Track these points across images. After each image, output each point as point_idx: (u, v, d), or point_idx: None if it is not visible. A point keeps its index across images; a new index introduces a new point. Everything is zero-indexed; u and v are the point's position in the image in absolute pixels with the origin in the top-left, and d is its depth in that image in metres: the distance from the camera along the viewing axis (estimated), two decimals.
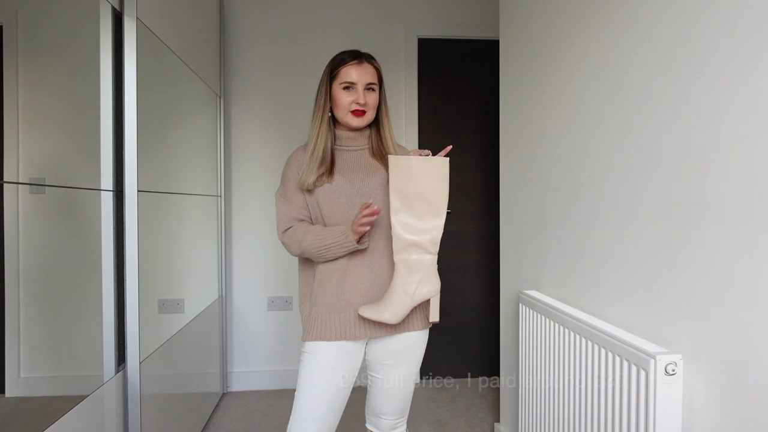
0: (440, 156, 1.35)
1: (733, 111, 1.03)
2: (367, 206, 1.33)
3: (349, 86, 1.44)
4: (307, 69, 3.09)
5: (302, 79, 3.10)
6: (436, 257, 1.38)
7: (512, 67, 2.17)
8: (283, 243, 1.49)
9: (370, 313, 1.36)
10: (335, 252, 1.41)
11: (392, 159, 1.34)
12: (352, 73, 1.44)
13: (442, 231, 1.36)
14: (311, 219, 1.50)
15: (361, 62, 1.45)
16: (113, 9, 1.61)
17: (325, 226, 1.47)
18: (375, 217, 1.33)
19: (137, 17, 1.67)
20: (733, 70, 1.03)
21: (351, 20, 3.14)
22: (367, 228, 1.36)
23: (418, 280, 1.36)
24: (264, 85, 3.10)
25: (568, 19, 1.69)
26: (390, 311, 1.35)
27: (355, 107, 1.44)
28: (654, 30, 1.26)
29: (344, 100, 1.44)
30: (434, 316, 1.40)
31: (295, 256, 1.51)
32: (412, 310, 1.48)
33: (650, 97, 1.27)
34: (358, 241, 1.40)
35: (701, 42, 1.11)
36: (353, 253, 1.44)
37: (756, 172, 0.98)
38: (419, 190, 1.33)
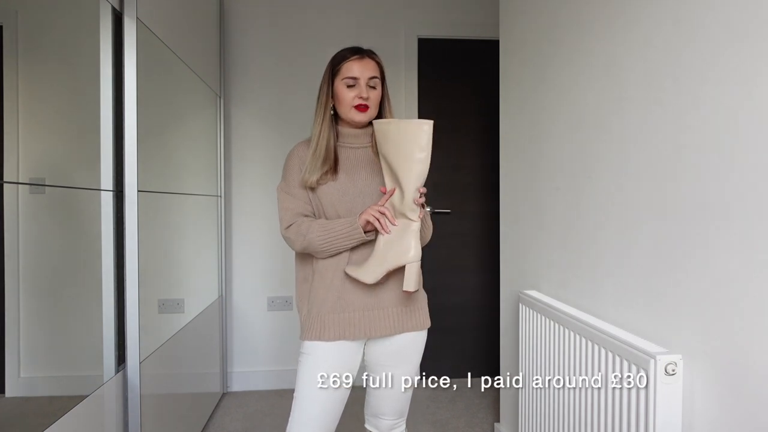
0: (424, 119, 1.32)
1: (733, 112, 1.03)
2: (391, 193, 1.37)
3: (351, 81, 1.43)
4: (307, 69, 3.09)
5: (302, 78, 3.09)
6: (415, 224, 1.35)
7: (512, 67, 2.17)
8: (286, 238, 1.46)
9: (352, 271, 1.38)
10: (342, 244, 1.40)
11: (375, 123, 1.37)
12: (354, 68, 1.43)
13: (415, 194, 1.33)
14: (314, 214, 1.49)
15: (362, 57, 1.45)
16: (113, 9, 1.61)
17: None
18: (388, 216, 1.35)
19: (137, 17, 1.66)
20: (734, 72, 1.03)
21: (351, 20, 3.13)
22: (377, 219, 1.35)
23: (393, 245, 1.35)
24: (264, 85, 3.10)
25: (568, 18, 1.69)
26: (364, 270, 1.36)
27: (358, 102, 1.43)
28: (656, 30, 1.26)
29: (347, 95, 1.43)
30: (407, 284, 1.35)
31: (298, 251, 1.50)
32: (412, 311, 1.48)
33: (651, 97, 1.27)
34: (366, 232, 1.39)
35: (702, 43, 1.11)
36: (354, 251, 1.43)
37: (756, 172, 0.98)
38: (398, 153, 1.32)
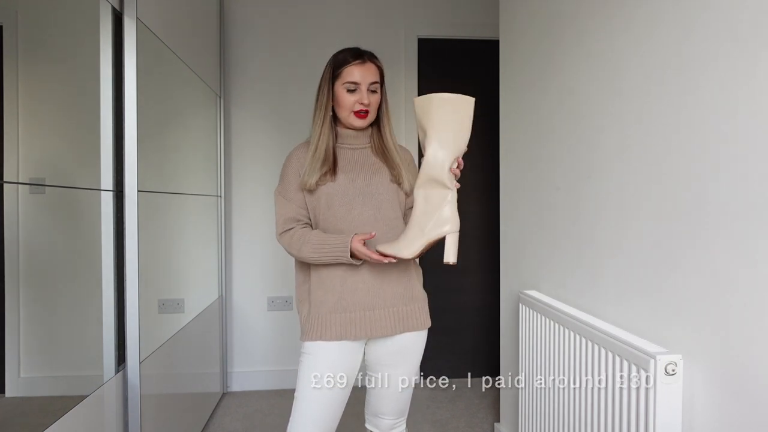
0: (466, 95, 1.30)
1: (733, 111, 1.03)
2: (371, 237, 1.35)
3: (352, 86, 1.43)
4: (307, 69, 3.09)
5: (302, 78, 3.10)
6: (451, 193, 1.32)
7: (512, 68, 2.17)
8: (280, 243, 1.49)
9: (386, 249, 1.33)
10: (332, 261, 1.41)
11: (416, 100, 1.32)
12: (356, 73, 1.43)
13: (451, 165, 1.31)
14: (309, 219, 1.50)
15: (364, 61, 1.44)
16: (113, 9, 1.61)
17: (326, 223, 1.46)
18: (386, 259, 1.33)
19: (137, 17, 1.67)
20: (734, 71, 1.03)
21: (351, 20, 3.14)
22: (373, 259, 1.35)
23: (431, 215, 1.31)
24: (264, 85, 3.10)
25: (568, 18, 1.69)
26: (400, 245, 1.31)
27: (358, 108, 1.43)
28: (654, 30, 1.26)
29: (347, 100, 1.43)
30: (448, 256, 1.30)
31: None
32: (412, 311, 1.48)
33: (651, 97, 1.27)
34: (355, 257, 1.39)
35: (701, 43, 1.11)
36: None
37: (756, 172, 0.98)
38: (438, 126, 1.30)
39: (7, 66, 1.16)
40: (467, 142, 1.32)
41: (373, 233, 1.36)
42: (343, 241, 1.37)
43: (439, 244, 1.34)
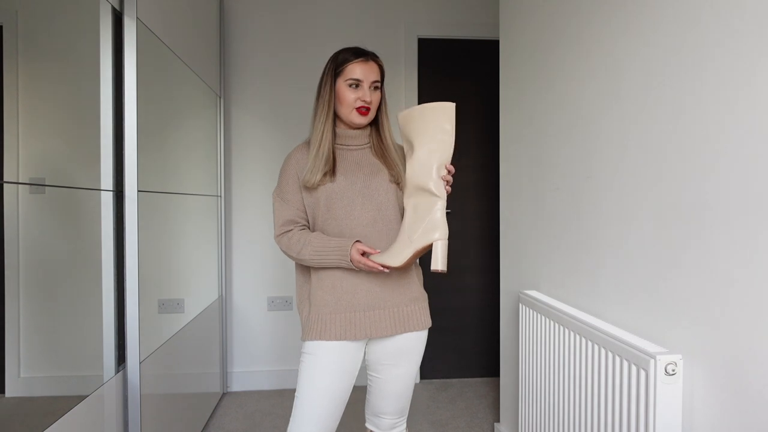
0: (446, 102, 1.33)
1: (733, 112, 1.03)
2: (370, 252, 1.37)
3: (355, 84, 1.44)
4: (307, 69, 3.09)
5: (302, 78, 3.10)
6: (440, 201, 1.31)
7: (512, 68, 2.17)
8: (279, 244, 1.49)
9: (378, 258, 1.35)
10: (332, 266, 1.42)
11: (399, 115, 1.37)
12: (358, 70, 1.43)
13: (437, 172, 1.31)
14: (307, 221, 1.50)
15: (366, 60, 1.45)
16: (113, 9, 1.61)
17: (326, 225, 1.46)
18: (381, 269, 1.35)
19: (137, 17, 1.67)
20: (734, 71, 1.03)
21: (351, 20, 3.14)
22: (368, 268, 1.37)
23: (420, 223, 1.32)
24: (264, 85, 3.10)
25: (568, 19, 1.69)
26: (390, 254, 1.33)
27: (360, 104, 1.44)
28: (655, 31, 1.26)
29: (350, 97, 1.44)
30: (435, 263, 1.29)
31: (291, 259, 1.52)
32: (413, 311, 1.48)
33: (651, 98, 1.27)
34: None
35: (702, 43, 1.11)
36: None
37: (756, 172, 0.98)
38: (423, 133, 1.32)
39: (7, 66, 1.16)
40: (452, 148, 1.33)
41: (377, 250, 1.38)
42: (343, 246, 1.38)
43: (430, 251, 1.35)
